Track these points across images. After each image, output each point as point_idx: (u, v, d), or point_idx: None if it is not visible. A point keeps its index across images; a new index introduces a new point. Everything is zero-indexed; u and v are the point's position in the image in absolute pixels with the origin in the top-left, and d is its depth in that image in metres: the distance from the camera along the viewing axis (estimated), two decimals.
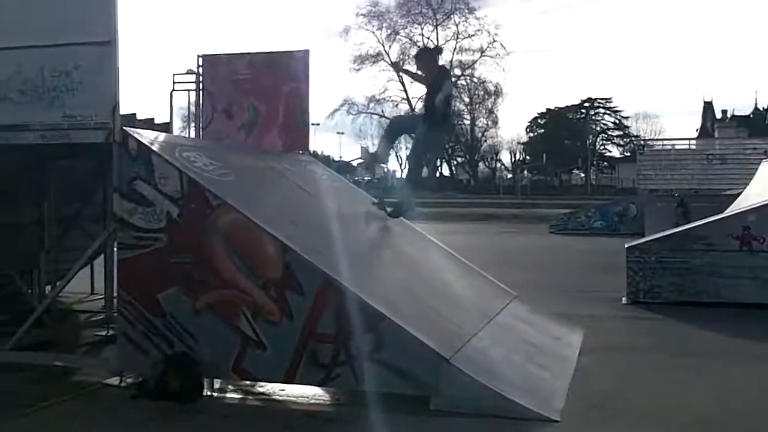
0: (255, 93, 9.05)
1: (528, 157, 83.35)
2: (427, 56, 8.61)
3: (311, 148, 10.36)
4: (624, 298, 10.87)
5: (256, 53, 9.27)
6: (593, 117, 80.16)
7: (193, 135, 9.05)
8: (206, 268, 6.01)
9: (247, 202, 6.29)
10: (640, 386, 6.44)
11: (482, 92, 77.77)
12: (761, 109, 73.32)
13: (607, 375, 6.83)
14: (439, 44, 62.13)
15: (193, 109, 9.08)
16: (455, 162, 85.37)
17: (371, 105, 76.42)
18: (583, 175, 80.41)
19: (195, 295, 5.99)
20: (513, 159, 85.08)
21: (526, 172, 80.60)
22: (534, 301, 9.41)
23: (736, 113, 71.65)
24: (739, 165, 28.30)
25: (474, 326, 6.84)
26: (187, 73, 9.12)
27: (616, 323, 9.58)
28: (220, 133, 9.00)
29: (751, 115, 57.54)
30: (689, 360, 7.43)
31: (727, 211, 12.77)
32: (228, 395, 6.18)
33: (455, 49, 75.65)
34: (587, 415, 5.64)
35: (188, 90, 9.10)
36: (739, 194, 18.89)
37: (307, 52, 9.31)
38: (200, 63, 9.10)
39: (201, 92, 9.07)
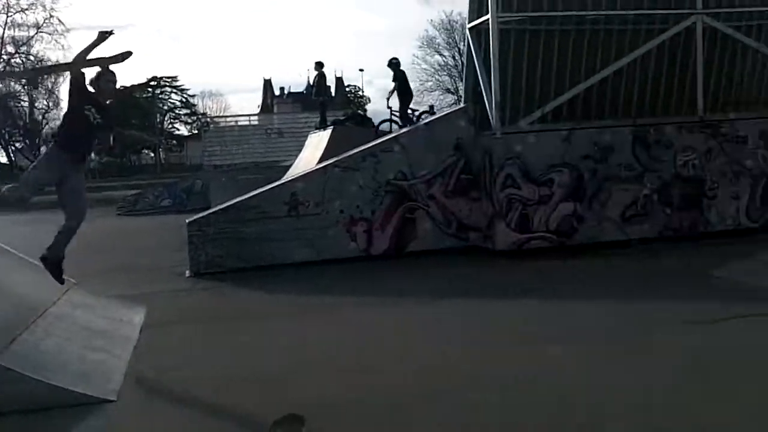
0: None
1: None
2: None
3: None
4: (187, 272, 11.19)
5: None
6: (160, 96, 79.61)
7: None
8: None
9: None
10: (197, 355, 6.75)
11: None
12: (311, 85, 79.62)
13: (166, 348, 7.02)
14: None
15: None
16: (13, 148, 78.14)
17: None
18: (153, 154, 79.58)
19: None
20: None
21: (93, 154, 77.10)
22: (99, 285, 9.27)
23: (292, 90, 77.04)
24: (294, 137, 30.69)
25: (23, 321, 6.48)
26: None
27: (177, 297, 9.83)
28: None
29: (304, 92, 62.54)
30: (250, 324, 8.00)
31: (280, 180, 13.81)
32: None
33: (6, 24, 68.64)
34: (144, 390, 5.77)
35: None
36: (292, 164, 20.51)
37: None
38: None
39: None
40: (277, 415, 4.51)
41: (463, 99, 13.42)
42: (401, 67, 16.15)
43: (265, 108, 72.19)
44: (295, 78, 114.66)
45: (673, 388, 5.03)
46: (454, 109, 13.61)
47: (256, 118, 41.40)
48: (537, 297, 8.47)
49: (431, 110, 19.65)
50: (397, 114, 16.25)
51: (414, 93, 19.09)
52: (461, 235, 12.14)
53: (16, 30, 68.95)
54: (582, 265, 10.47)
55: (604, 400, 4.86)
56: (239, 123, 36.10)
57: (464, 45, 12.95)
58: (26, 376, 5.35)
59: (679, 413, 4.57)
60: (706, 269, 9.07)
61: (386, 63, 16.00)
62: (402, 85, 16.05)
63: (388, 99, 16.46)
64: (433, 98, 53.14)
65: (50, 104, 74.97)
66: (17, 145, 77.92)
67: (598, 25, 12.39)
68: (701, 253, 10.74)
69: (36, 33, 69.51)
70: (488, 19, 11.71)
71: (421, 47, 64.77)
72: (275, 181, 13.44)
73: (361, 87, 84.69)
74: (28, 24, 69.08)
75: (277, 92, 78.84)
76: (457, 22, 53.77)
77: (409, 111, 16.27)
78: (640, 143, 11.81)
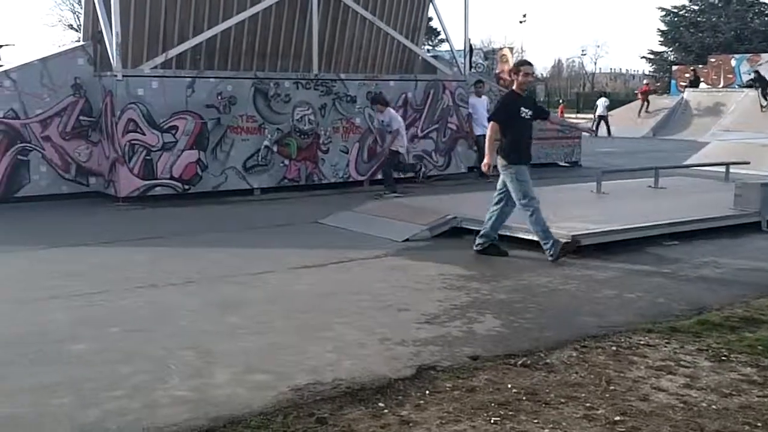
0: None
1: None
2: None
3: None
4: None
5: None
6: None
7: None
8: None
9: None
10: None
11: None
12: None
13: None
14: None
15: None
16: None
17: None
18: None
19: None
20: None
21: None
22: None
23: None
24: None
25: None
26: None
27: None
28: None
29: None
30: None
31: None
32: None
33: None
34: None
35: None
36: None
37: None
38: None
39: None
40: None
41: (81, 37, 12.76)
42: None
43: None
44: None
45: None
46: (73, 46, 12.88)
47: None
48: (169, 244, 8.56)
49: None
50: None
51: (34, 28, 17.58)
52: (81, 180, 11.71)
53: None
54: (203, 212, 10.78)
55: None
56: None
57: None
58: None
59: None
60: (317, 217, 9.91)
61: None
62: None
63: None
64: (55, 34, 48.97)
65: None
66: None
67: None
68: (313, 201, 11.70)
69: None
70: None
71: None
72: None
73: None
74: None
75: None
76: None
77: None
78: (261, 95, 12.38)
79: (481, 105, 14.40)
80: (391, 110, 12.71)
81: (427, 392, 4.25)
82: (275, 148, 12.54)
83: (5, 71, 11.51)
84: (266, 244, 8.56)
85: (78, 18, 52.36)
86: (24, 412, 3.93)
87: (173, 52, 12.02)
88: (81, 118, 11.63)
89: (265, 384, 4.30)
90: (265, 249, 8.28)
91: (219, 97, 11.94)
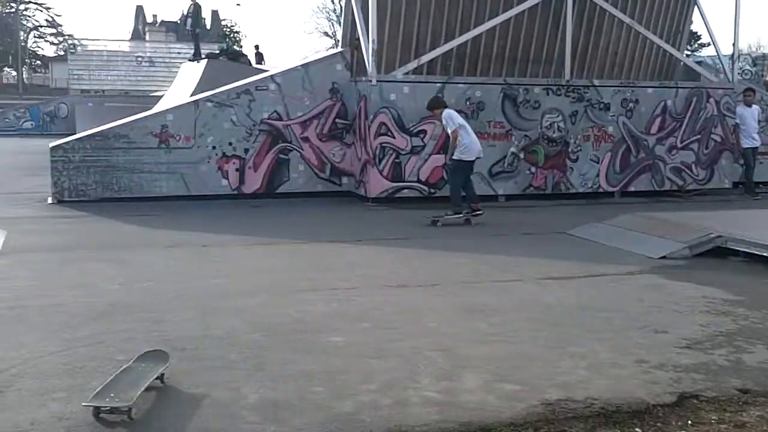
0: None
1: None
2: None
3: None
4: (50, 198, 10.79)
5: None
6: (24, 12, 74.43)
7: None
8: None
9: None
10: (57, 282, 6.59)
11: None
12: (186, 15, 76.34)
13: (26, 275, 6.80)
14: None
15: None
16: None
17: None
18: (15, 73, 74.65)
19: None
20: None
21: None
22: None
23: (165, 19, 73.95)
24: (165, 68, 29.65)
25: None
26: None
27: (39, 223, 9.50)
28: None
29: (179, 21, 59.93)
30: (109, 253, 7.84)
31: (151, 111, 13.43)
32: None
33: None
34: (1, 317, 5.59)
35: None
36: (163, 95, 19.91)
37: None
38: None
39: None
40: (140, 351, 4.51)
41: (340, 44, 13.42)
42: None
43: (136, 35, 68.98)
44: (169, 5, 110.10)
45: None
46: (332, 53, 13.60)
47: (126, 43, 39.48)
48: (415, 245, 8.73)
49: None
50: None
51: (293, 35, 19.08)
52: (334, 180, 12.28)
53: None
54: None
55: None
56: (108, 48, 34.35)
57: None
58: None
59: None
60: (564, 228, 9.61)
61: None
62: None
63: None
64: (312, 41, 52.55)
65: None
66: None
67: None
68: (560, 212, 11.36)
69: None
70: None
71: None
72: (146, 111, 13.07)
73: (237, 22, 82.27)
74: None
75: (149, 19, 75.42)
76: None
77: None
78: (510, 101, 12.26)
79: (750, 115, 13.24)
80: (448, 111, 10.10)
81: (690, 422, 3.89)
82: (522, 155, 12.36)
83: (271, 76, 12.39)
84: (511, 251, 8.39)
85: (333, 26, 55.86)
86: (287, 397, 4.10)
87: (425, 58, 12.27)
88: (337, 120, 12.20)
89: (515, 395, 4.16)
90: (509, 257, 8.13)
91: (468, 103, 12.00)
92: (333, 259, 7.82)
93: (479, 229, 9.88)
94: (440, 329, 5.40)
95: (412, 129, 11.73)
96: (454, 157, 9.89)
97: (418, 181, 11.85)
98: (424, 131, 11.78)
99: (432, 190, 11.90)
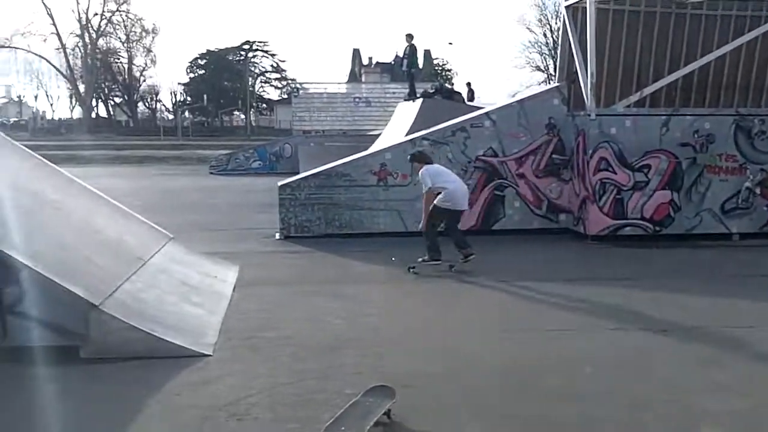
0: None
1: (189, 98, 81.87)
2: None
3: None
4: (277, 234, 11.45)
5: None
6: (252, 59, 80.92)
7: None
8: None
9: None
10: (287, 315, 6.93)
11: (139, 30, 74.40)
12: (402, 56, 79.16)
13: (258, 307, 7.21)
14: None
15: None
16: (113, 102, 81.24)
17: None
18: (243, 116, 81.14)
19: None
20: (174, 100, 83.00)
21: (187, 113, 79.14)
22: (193, 241, 9.55)
23: (380, 60, 77.10)
24: (381, 107, 30.78)
25: (126, 271, 6.76)
26: None
27: (268, 258, 10.06)
28: None
29: (392, 62, 62.21)
30: (341, 288, 8.11)
31: (369, 149, 13.92)
32: None
33: None
34: (238, 346, 5.94)
35: None
36: (380, 134, 20.60)
37: None
38: None
39: None
40: (367, 385, 4.58)
41: (556, 78, 13.16)
42: None
43: (353, 77, 72.42)
44: (384, 47, 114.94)
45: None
46: (548, 87, 13.38)
47: (344, 85, 41.55)
48: (639, 287, 8.32)
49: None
50: None
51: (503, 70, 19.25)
52: (551, 217, 12.00)
53: None
54: (673, 255, 10.22)
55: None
56: (328, 90, 36.31)
57: (558, 23, 12.67)
58: (129, 325, 5.61)
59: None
60: None
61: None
62: None
63: None
64: (522, 75, 52.49)
65: (147, 62, 77.42)
66: (116, 99, 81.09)
67: (700, 9, 11.97)
68: None
69: None
70: None
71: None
72: (363, 149, 13.54)
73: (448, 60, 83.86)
74: None
75: (365, 61, 78.95)
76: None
77: None
78: (743, 133, 11.39)
79: None
80: (427, 168, 9.11)
81: None
82: (758, 190, 11.38)
83: (486, 113, 12.39)
84: (746, 296, 7.70)
85: (545, 60, 55.37)
86: None
87: (648, 90, 11.73)
88: (554, 156, 11.94)
89: None
90: (744, 300, 7.47)
91: (695, 135, 11.27)
92: (556, 299, 7.57)
93: (706, 270, 9.21)
94: (673, 377, 5.04)
95: (634, 164, 11.20)
96: (442, 207, 8.93)
97: (642, 218, 11.26)
98: (648, 166, 11.20)
99: (657, 228, 11.25)
